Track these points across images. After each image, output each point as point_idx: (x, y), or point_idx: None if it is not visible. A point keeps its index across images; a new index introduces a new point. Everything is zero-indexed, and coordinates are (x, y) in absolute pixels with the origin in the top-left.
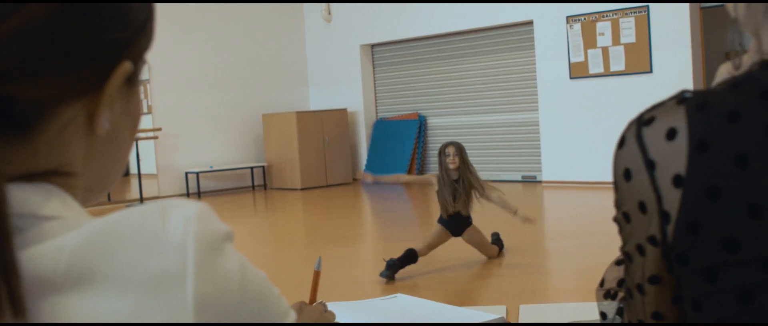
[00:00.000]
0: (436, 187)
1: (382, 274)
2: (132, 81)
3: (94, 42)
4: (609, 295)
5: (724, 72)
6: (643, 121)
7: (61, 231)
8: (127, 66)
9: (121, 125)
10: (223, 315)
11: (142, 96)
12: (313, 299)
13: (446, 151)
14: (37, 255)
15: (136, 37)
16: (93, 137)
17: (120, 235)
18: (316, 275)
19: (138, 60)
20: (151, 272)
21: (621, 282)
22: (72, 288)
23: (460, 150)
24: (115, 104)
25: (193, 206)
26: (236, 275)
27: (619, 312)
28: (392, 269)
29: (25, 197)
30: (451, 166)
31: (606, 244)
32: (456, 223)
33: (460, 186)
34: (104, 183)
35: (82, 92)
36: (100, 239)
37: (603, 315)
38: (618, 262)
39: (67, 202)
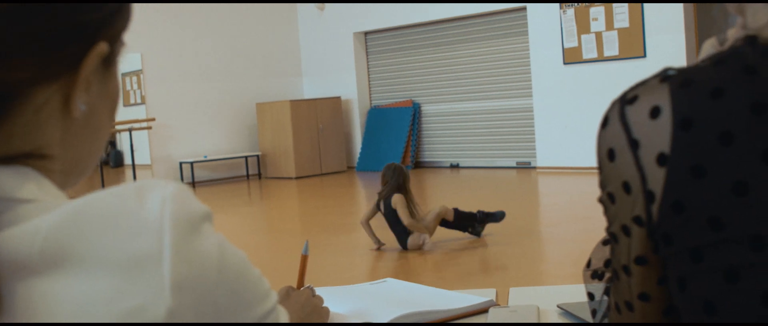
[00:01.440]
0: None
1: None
2: (109, 62)
3: (68, 23)
4: (596, 276)
5: (709, 47)
6: (626, 99)
7: (36, 213)
8: (102, 47)
9: (98, 107)
10: (201, 296)
11: (135, 85)
12: (300, 283)
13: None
14: (12, 238)
15: (111, 18)
16: (69, 119)
17: (96, 216)
18: (304, 259)
19: (114, 41)
20: (127, 253)
21: (607, 263)
22: (47, 270)
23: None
24: (91, 86)
25: (169, 186)
26: (214, 255)
27: (607, 292)
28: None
29: (0, 180)
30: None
31: (599, 229)
32: None
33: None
34: (82, 166)
35: (57, 74)
36: (75, 220)
37: (590, 295)
38: (604, 242)
39: (44, 185)
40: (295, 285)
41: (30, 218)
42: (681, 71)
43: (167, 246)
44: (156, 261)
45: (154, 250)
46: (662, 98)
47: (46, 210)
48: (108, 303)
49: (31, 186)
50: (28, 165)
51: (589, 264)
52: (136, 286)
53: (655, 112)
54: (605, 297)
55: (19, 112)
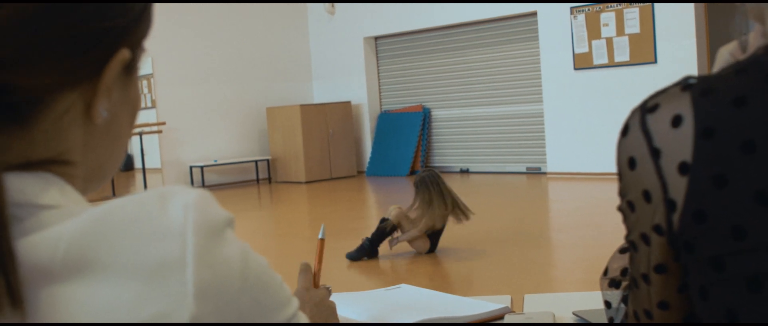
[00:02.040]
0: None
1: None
2: (130, 69)
3: (91, 29)
4: (613, 284)
5: (725, 54)
6: (647, 108)
7: (59, 219)
8: (124, 53)
9: (119, 114)
10: (223, 302)
11: (145, 89)
12: (318, 268)
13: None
14: (35, 244)
15: (134, 25)
16: (91, 126)
17: (119, 223)
18: (321, 243)
19: (136, 47)
20: (150, 260)
21: (624, 272)
22: (70, 276)
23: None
24: (112, 92)
25: (192, 193)
26: (237, 261)
27: (624, 300)
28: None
29: (23, 186)
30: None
31: (611, 235)
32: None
33: None
34: (103, 172)
35: (80, 80)
36: (98, 227)
37: (607, 303)
38: (622, 250)
39: (66, 191)
40: (313, 269)
41: (53, 224)
42: (702, 79)
43: (190, 252)
44: (179, 267)
45: (177, 257)
46: (684, 107)
47: (68, 216)
48: (131, 310)
49: (54, 193)
50: (51, 172)
51: (606, 272)
52: (159, 293)
53: (676, 121)
54: (622, 305)
55: (41, 118)
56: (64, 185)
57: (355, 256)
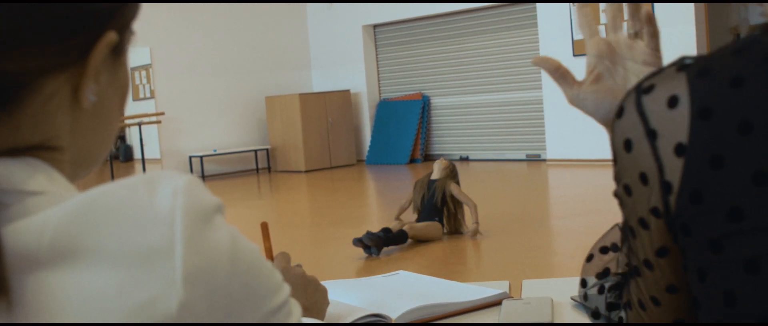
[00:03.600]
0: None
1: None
2: (118, 52)
3: (77, 11)
4: (605, 250)
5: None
6: (642, 89)
7: (46, 206)
8: (111, 36)
9: (108, 98)
10: (213, 288)
11: (144, 80)
12: (269, 245)
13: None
14: (21, 230)
15: (121, 7)
16: (79, 110)
17: (106, 209)
18: (264, 226)
19: (124, 30)
20: (138, 245)
21: (604, 249)
22: (57, 263)
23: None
24: (100, 76)
25: (181, 178)
26: (226, 247)
27: (601, 276)
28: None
29: (9, 172)
30: (437, 168)
31: (610, 222)
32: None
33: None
34: (92, 157)
35: (66, 64)
36: (85, 213)
37: (583, 281)
38: (602, 250)
39: (53, 177)
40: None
41: (39, 210)
42: (698, 60)
43: (179, 238)
44: (168, 253)
45: (166, 242)
46: (680, 87)
47: (55, 202)
48: (119, 296)
49: (41, 178)
50: (38, 157)
51: (589, 259)
52: (147, 279)
53: (672, 102)
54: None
55: (27, 102)
56: (51, 171)
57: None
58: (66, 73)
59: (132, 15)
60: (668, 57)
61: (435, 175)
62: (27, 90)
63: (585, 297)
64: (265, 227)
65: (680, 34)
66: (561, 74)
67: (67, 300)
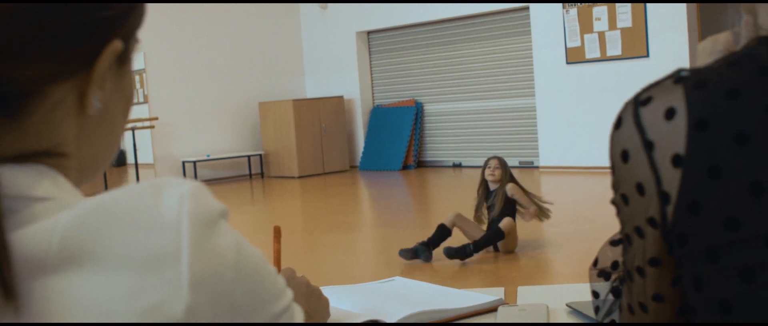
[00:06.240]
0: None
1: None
2: (123, 60)
3: (82, 20)
4: (603, 274)
5: (708, 46)
6: (640, 100)
7: (53, 211)
8: (117, 44)
9: (113, 105)
10: (218, 293)
11: (138, 85)
12: (278, 247)
13: (488, 163)
14: (29, 236)
15: (125, 15)
16: (84, 117)
17: (113, 214)
18: (277, 230)
19: (129, 38)
20: (145, 251)
21: (615, 265)
22: (65, 268)
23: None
24: (106, 83)
25: (187, 184)
26: (231, 253)
27: (614, 291)
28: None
29: (16, 178)
30: (490, 179)
31: (604, 229)
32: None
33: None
34: (98, 163)
35: (72, 71)
36: (93, 218)
37: (595, 294)
38: (612, 242)
39: (60, 183)
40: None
41: (47, 216)
42: (695, 72)
43: (185, 243)
44: (174, 258)
45: (172, 248)
46: (677, 99)
47: (62, 208)
48: (126, 301)
49: (47, 184)
50: (44, 164)
51: (595, 263)
52: (154, 284)
53: (669, 113)
54: (610, 297)
55: (34, 110)
56: (57, 177)
57: (454, 254)
58: (72, 80)
59: (137, 23)
60: (661, 63)
61: (492, 185)
62: (34, 97)
63: (597, 309)
64: (277, 231)
65: (673, 42)
66: None
67: (75, 304)
